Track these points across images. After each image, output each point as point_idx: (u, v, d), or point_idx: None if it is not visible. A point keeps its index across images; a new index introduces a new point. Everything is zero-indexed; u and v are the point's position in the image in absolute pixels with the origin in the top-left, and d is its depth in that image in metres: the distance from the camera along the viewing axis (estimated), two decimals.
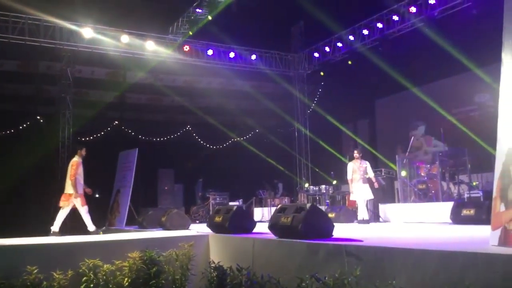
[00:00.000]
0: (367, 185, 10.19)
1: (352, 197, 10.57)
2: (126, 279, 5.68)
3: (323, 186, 13.71)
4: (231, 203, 14.53)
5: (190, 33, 14.41)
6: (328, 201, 13.57)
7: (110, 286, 5.53)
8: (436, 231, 6.96)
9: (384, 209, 11.21)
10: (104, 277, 5.52)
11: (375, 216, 10.91)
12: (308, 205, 5.64)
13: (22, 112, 16.52)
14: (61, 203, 8.89)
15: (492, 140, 4.24)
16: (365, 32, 14.53)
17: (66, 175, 9.12)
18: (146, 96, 18.14)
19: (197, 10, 13.52)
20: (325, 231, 5.48)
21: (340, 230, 6.73)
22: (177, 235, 6.93)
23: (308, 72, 17.70)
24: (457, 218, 8.10)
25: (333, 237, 5.45)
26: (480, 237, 4.83)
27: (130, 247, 5.97)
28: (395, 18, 13.56)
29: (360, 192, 10.15)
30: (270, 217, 7.30)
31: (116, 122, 17.66)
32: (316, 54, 16.62)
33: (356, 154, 10.51)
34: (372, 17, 14.28)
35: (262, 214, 14.58)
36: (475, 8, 11.66)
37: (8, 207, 14.07)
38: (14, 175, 14.07)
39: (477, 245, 4.09)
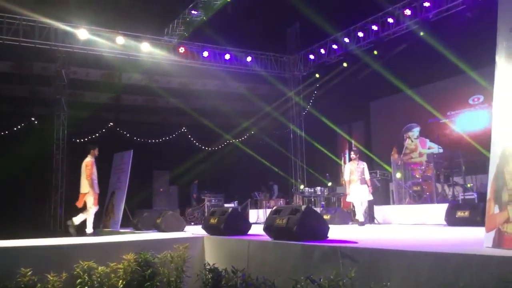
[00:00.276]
0: (365, 186, 10.11)
1: (348, 199, 10.55)
2: (120, 281, 5.66)
3: (318, 188, 13.72)
4: (226, 205, 14.50)
5: (186, 34, 14.41)
6: (323, 203, 13.59)
7: None
8: (431, 232, 6.98)
9: (379, 211, 11.23)
10: (99, 279, 5.50)
11: (370, 218, 10.92)
12: (303, 207, 5.64)
13: (17, 114, 16.45)
14: (78, 203, 8.90)
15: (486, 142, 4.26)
16: (360, 34, 14.59)
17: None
18: (141, 97, 18.11)
19: (193, 11, 13.52)
20: (320, 232, 5.49)
21: (335, 232, 6.74)
22: (172, 237, 6.90)
23: (303, 74, 17.74)
24: (451, 220, 8.13)
25: (328, 238, 5.46)
26: (474, 238, 4.85)
27: (125, 249, 5.94)
28: (390, 20, 13.62)
29: (357, 193, 10.12)
30: (265, 219, 7.30)
31: (111, 123, 17.61)
32: (312, 56, 16.66)
33: (353, 155, 10.52)
34: (367, 19, 14.34)
35: (257, 216, 14.58)
36: (469, 11, 11.73)
37: (3, 209, 14.00)
38: (9, 177, 14.00)
39: (471, 247, 4.11)
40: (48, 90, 15.23)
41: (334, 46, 15.69)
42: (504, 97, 4.02)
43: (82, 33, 13.47)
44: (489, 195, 3.97)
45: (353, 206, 10.64)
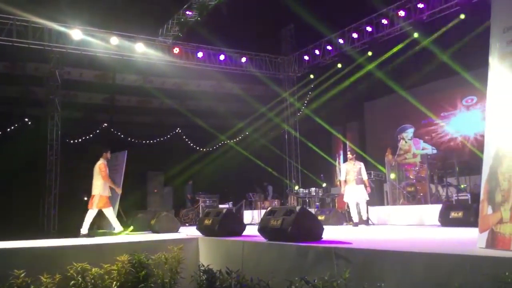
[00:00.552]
0: (361, 186, 9.96)
1: (345, 199, 10.50)
2: (114, 282, 5.64)
3: (313, 189, 13.74)
4: (221, 206, 14.47)
5: (180, 35, 14.37)
6: (317, 203, 13.60)
7: None
8: (425, 233, 7.01)
9: (373, 211, 11.24)
10: (93, 280, 5.47)
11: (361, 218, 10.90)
12: (298, 207, 5.65)
13: (10, 114, 16.34)
14: (90, 205, 8.88)
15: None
16: (355, 35, 14.64)
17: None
18: (135, 98, 18.05)
19: (187, 12, 13.50)
20: (315, 233, 5.49)
21: (330, 233, 6.74)
22: (166, 238, 6.89)
23: (298, 75, 17.76)
24: (445, 220, 8.16)
25: (323, 239, 5.46)
26: (468, 239, 4.87)
27: (119, 251, 5.92)
28: (384, 21, 13.68)
29: (352, 193, 10.07)
30: (260, 219, 7.30)
31: (105, 124, 17.54)
32: (306, 57, 16.70)
33: (349, 155, 10.43)
34: (362, 20, 14.39)
35: (252, 217, 14.57)
36: (463, 12, 11.78)
37: None
38: (2, 177, 13.92)
39: (465, 247, 4.12)
40: (41, 90, 15.14)
41: (329, 47, 15.74)
42: (497, 98, 4.04)
43: (76, 34, 13.41)
44: (482, 196, 3.99)
45: (348, 207, 10.63)
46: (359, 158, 11.09)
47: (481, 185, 4.08)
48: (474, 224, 5.40)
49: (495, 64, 4.09)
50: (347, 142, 17.64)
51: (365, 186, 10.06)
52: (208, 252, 6.44)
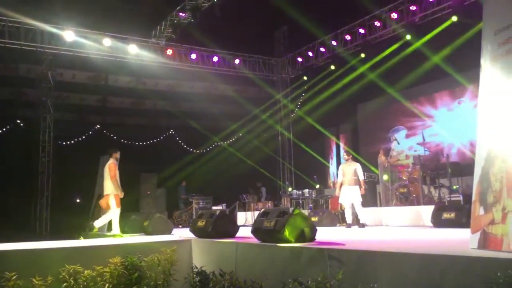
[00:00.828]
0: (356, 187, 9.88)
1: (340, 200, 10.47)
2: (107, 285, 5.60)
3: (306, 190, 13.74)
4: (214, 208, 14.45)
5: (173, 36, 14.35)
6: (311, 205, 13.62)
7: None
8: (417, 234, 7.04)
9: (366, 212, 11.25)
10: (85, 283, 5.43)
11: (357, 220, 10.93)
12: (291, 209, 5.65)
13: (2, 116, 16.23)
14: (102, 204, 8.95)
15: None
16: (348, 37, 14.71)
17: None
18: (128, 99, 18.00)
19: (180, 14, 13.49)
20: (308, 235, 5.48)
21: (323, 234, 6.74)
22: (159, 240, 6.86)
23: (291, 77, 17.79)
24: (437, 221, 8.18)
25: (316, 241, 5.47)
26: (460, 240, 4.89)
27: (111, 253, 5.88)
28: (377, 24, 13.74)
29: (348, 195, 10.01)
30: (253, 221, 7.29)
31: (98, 126, 17.47)
32: (300, 59, 16.74)
33: (345, 156, 10.35)
34: (355, 23, 14.46)
35: (245, 218, 14.54)
36: (455, 14, 11.86)
37: None
38: None
39: (457, 248, 4.14)
40: (33, 92, 15.06)
41: (322, 49, 15.81)
42: (489, 100, 4.06)
43: (69, 35, 13.35)
44: (474, 197, 4.01)
45: (341, 208, 10.63)
46: (353, 159, 11.07)
47: (473, 186, 4.10)
48: (466, 225, 5.43)
49: (487, 66, 4.11)
50: (341, 144, 17.68)
51: (360, 187, 10.00)
52: (201, 254, 6.43)
